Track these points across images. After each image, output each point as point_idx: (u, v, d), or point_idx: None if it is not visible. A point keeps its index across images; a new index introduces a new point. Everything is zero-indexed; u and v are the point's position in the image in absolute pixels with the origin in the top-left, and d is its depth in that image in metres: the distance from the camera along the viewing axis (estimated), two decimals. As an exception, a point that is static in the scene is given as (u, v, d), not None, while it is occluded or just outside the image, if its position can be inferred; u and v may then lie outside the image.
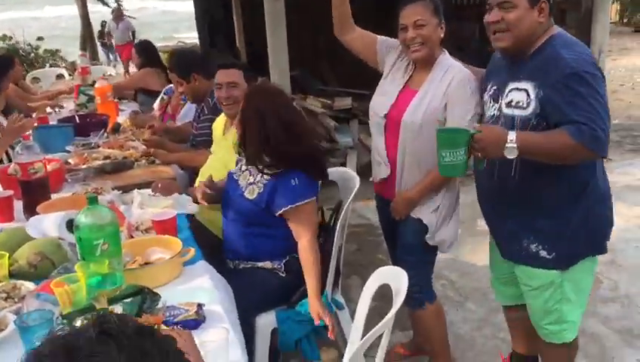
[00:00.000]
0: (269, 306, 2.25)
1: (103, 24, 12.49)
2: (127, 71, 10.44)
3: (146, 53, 4.92)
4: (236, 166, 2.41)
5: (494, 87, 2.06)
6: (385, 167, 2.34)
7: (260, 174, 2.23)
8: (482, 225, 2.38)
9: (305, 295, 2.19)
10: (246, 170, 2.31)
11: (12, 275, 1.91)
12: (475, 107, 2.15)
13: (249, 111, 2.22)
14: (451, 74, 2.18)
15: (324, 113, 5.32)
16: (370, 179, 2.49)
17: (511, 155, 1.79)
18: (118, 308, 1.56)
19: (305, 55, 7.17)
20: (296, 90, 5.61)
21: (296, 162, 2.21)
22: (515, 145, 1.78)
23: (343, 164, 5.00)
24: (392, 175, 2.32)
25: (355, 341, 1.76)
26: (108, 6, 12.65)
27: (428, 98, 2.20)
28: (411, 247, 2.35)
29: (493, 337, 2.91)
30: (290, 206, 2.17)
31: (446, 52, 2.27)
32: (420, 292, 2.39)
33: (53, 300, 1.66)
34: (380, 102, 2.32)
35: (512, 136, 1.79)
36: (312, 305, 2.11)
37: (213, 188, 2.38)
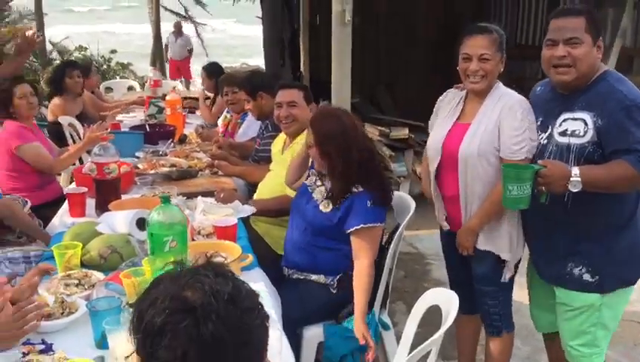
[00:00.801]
0: (316, 319, 2.30)
1: None
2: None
3: (217, 75, 5.08)
4: (307, 178, 2.47)
5: (539, 118, 2.14)
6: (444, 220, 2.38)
7: None
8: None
9: (352, 312, 2.24)
10: (322, 185, 2.35)
11: (83, 264, 2.06)
12: (523, 132, 2.12)
13: (327, 145, 2.24)
14: (503, 101, 2.19)
15: (380, 141, 5.39)
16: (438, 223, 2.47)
17: (575, 189, 1.88)
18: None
19: (364, 82, 7.28)
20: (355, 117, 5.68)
21: (371, 183, 2.26)
22: (579, 180, 1.86)
23: (396, 193, 5.02)
24: (456, 212, 2.31)
25: (401, 359, 1.79)
26: (183, 17, 13.17)
27: (482, 128, 2.20)
28: (488, 278, 2.33)
29: (537, 377, 2.86)
30: (362, 225, 2.21)
31: (500, 82, 2.26)
32: (500, 321, 2.38)
33: (120, 290, 1.79)
34: (435, 142, 2.32)
35: (576, 170, 1.88)
36: (358, 326, 2.15)
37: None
